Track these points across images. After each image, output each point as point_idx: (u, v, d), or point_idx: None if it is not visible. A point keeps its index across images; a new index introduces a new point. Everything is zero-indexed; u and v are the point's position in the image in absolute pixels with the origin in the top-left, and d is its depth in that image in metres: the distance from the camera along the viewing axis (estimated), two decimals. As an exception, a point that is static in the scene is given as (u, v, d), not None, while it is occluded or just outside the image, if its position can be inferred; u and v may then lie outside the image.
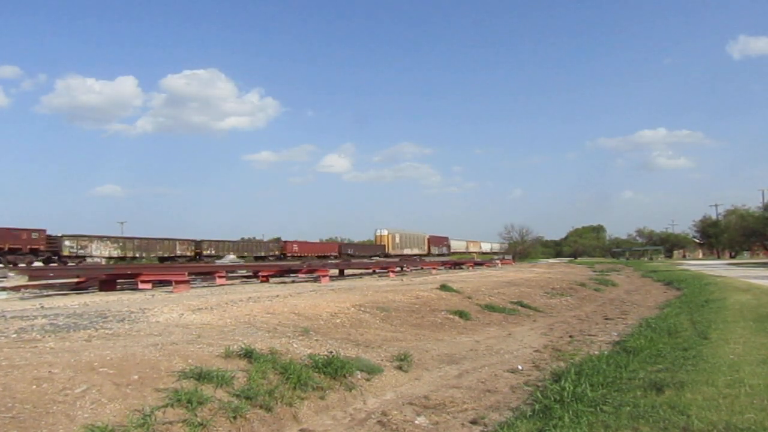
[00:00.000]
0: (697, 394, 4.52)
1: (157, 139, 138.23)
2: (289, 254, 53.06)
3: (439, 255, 69.42)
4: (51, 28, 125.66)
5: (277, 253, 52.87)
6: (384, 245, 63.55)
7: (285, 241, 55.33)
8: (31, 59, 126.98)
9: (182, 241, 44.97)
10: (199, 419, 4.01)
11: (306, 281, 19.65)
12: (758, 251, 73.84)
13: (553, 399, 4.79)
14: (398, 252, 64.89)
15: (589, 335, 9.65)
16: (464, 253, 79.58)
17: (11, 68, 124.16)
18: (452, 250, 77.77)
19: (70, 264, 32.55)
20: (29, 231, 33.48)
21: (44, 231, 34.34)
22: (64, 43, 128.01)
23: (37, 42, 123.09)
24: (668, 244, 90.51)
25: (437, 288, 13.69)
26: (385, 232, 65.11)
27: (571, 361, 6.94)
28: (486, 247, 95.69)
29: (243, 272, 22.29)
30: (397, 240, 66.16)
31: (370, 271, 27.80)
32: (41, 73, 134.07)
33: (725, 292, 14.99)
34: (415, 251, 68.62)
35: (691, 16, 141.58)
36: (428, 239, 72.65)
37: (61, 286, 15.69)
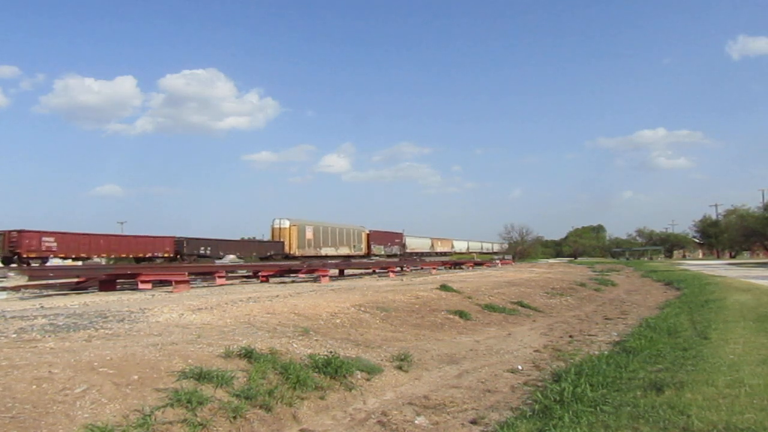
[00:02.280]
0: (697, 394, 4.52)
1: (156, 139, 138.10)
2: (29, 255, 29.03)
3: (388, 256, 55.35)
4: (50, 27, 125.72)
5: None
6: (283, 242, 45.08)
7: (21, 232, 29.11)
8: (29, 59, 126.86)
9: None
10: (199, 419, 4.01)
11: (306, 281, 19.65)
12: (758, 251, 73.86)
13: (553, 399, 4.79)
14: (310, 252, 46.13)
15: (589, 335, 9.65)
16: (427, 253, 66.13)
17: (10, 68, 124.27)
18: (410, 250, 63.44)
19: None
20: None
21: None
22: (63, 43, 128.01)
23: (35, 42, 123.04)
24: (668, 244, 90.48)
25: (437, 288, 13.70)
26: (286, 224, 45.68)
27: (571, 361, 6.94)
28: (461, 245, 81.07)
29: (243, 272, 22.31)
30: (309, 235, 47.05)
31: (370, 271, 27.85)
32: (40, 73, 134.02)
33: (725, 292, 14.99)
34: (343, 251, 50.82)
35: (691, 16, 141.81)
36: (368, 235, 56.16)
37: (61, 286, 15.69)
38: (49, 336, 5.95)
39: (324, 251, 48.40)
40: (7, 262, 28.95)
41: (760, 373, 5.20)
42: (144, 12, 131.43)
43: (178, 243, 38.52)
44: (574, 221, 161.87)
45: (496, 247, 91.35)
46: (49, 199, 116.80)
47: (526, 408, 4.86)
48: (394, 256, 56.82)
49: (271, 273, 20.50)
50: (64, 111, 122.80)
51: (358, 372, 5.80)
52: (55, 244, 30.95)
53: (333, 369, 5.54)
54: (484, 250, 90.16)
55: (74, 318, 7.34)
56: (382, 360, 6.61)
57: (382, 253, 56.73)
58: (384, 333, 8.56)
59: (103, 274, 15.37)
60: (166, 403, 4.07)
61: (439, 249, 73.00)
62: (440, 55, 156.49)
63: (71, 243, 31.88)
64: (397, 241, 62.29)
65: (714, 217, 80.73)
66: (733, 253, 78.43)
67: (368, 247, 56.03)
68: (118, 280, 15.47)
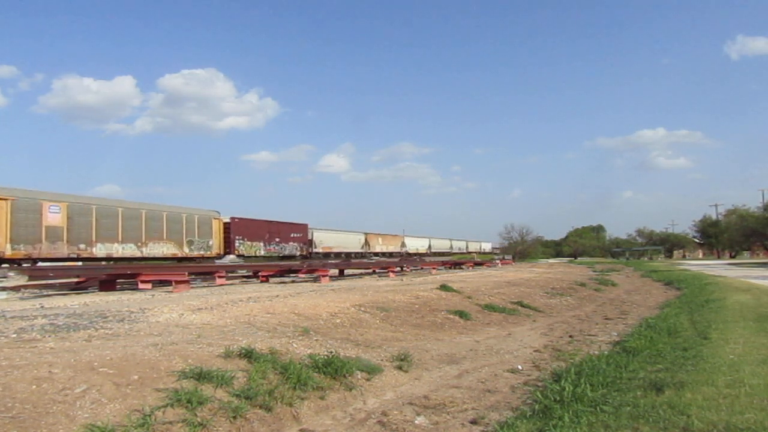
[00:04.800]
0: (697, 394, 4.52)
1: (155, 139, 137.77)
2: None
3: (281, 258, 38.41)
4: (48, 27, 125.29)
5: None
6: None
7: None
8: (28, 59, 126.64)
9: None
10: (199, 419, 4.01)
11: (306, 281, 19.67)
12: (758, 251, 73.87)
13: (552, 399, 4.79)
14: (56, 251, 23.66)
15: (589, 335, 9.66)
16: (359, 254, 49.71)
17: (8, 68, 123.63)
18: (322, 249, 45.09)
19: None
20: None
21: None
22: (62, 43, 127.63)
23: (34, 42, 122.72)
24: (668, 244, 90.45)
25: (437, 288, 13.70)
26: None
27: (571, 361, 6.94)
28: (417, 243, 65.01)
29: (243, 272, 22.42)
30: (54, 220, 23.76)
31: (370, 271, 27.94)
32: (38, 73, 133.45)
33: (725, 292, 14.99)
34: (161, 249, 29.39)
35: (689, 16, 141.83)
36: (225, 226, 35.35)
37: (61, 286, 15.70)
38: (49, 336, 5.96)
39: (102, 250, 25.73)
40: None
41: (760, 373, 5.21)
42: (143, 12, 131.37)
43: None
44: (574, 221, 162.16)
45: (444, 245, 73.80)
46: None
47: (526, 408, 4.86)
48: (291, 257, 39.63)
49: (271, 273, 20.73)
50: (63, 111, 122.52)
51: (358, 372, 5.80)
52: None
53: (333, 369, 5.54)
54: (455, 249, 75.89)
55: (74, 318, 7.34)
56: (382, 360, 6.61)
57: (261, 253, 37.36)
58: (384, 333, 8.56)
59: (103, 274, 15.38)
60: (166, 403, 4.07)
61: (379, 248, 54.75)
62: (440, 55, 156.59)
63: None
64: (295, 236, 42.45)
65: (714, 217, 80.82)
66: (733, 253, 78.44)
67: (227, 243, 35.32)
68: (118, 280, 15.49)
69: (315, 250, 44.28)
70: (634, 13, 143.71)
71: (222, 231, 35.36)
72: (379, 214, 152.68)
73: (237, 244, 36.17)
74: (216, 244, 34.46)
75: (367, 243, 53.17)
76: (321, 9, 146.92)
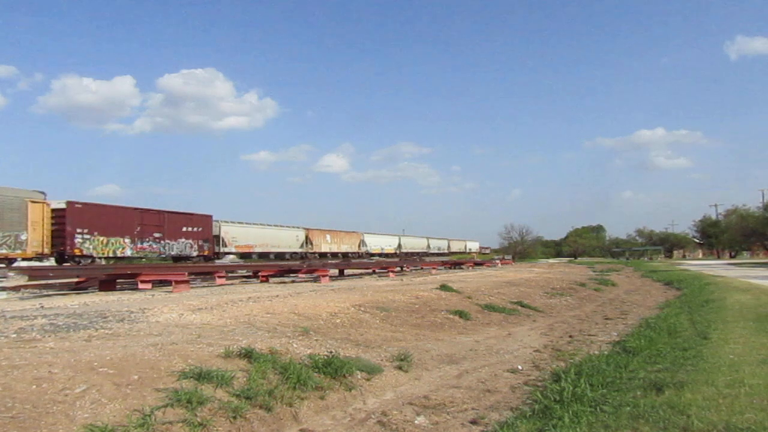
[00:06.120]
0: (697, 394, 4.52)
1: (155, 138, 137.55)
2: None
3: (176, 260, 30.40)
4: (47, 27, 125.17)
5: None
6: None
7: None
8: (27, 59, 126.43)
9: None
10: (199, 419, 4.01)
11: (306, 281, 19.66)
12: (758, 251, 73.89)
13: (552, 399, 4.80)
14: None
15: (589, 335, 9.66)
16: (295, 254, 41.02)
17: (8, 68, 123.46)
18: (236, 248, 36.13)
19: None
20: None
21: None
22: (61, 43, 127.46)
23: (34, 42, 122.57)
24: (668, 244, 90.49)
25: (437, 288, 13.70)
26: None
27: (571, 361, 6.94)
28: (383, 243, 56.72)
29: (243, 272, 22.39)
30: None
31: (370, 271, 27.95)
32: (38, 73, 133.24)
33: (725, 292, 14.99)
34: None
35: (688, 16, 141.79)
36: (55, 214, 24.65)
37: (61, 286, 15.70)
38: (49, 336, 5.96)
39: None
40: None
41: (760, 373, 5.21)
42: (142, 11, 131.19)
43: None
44: (574, 221, 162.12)
45: (456, 246, 66.58)
46: (48, 199, 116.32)
47: (526, 408, 4.86)
48: (185, 259, 30.82)
49: (271, 273, 20.67)
50: (63, 111, 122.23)
51: (358, 372, 5.80)
52: None
53: (333, 369, 5.55)
54: (433, 249, 68.37)
55: (74, 318, 7.34)
56: (382, 360, 6.61)
57: (126, 253, 27.74)
58: (384, 333, 8.56)
59: (103, 274, 15.37)
60: (166, 403, 4.07)
61: (327, 248, 46.02)
62: (439, 54, 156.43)
63: None
64: (189, 230, 32.08)
65: (714, 217, 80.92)
66: (733, 253, 78.48)
67: (58, 237, 24.86)
68: (117, 280, 15.48)
69: (225, 250, 34.91)
70: (633, 13, 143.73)
71: (49, 220, 24.42)
72: (379, 214, 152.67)
73: (78, 240, 25.47)
74: (35, 238, 23.30)
75: (308, 241, 43.69)
76: (321, 9, 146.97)
